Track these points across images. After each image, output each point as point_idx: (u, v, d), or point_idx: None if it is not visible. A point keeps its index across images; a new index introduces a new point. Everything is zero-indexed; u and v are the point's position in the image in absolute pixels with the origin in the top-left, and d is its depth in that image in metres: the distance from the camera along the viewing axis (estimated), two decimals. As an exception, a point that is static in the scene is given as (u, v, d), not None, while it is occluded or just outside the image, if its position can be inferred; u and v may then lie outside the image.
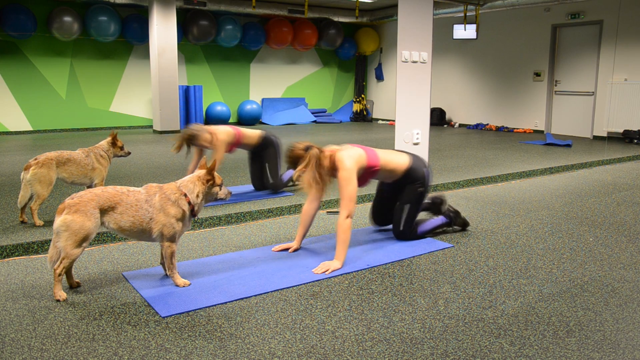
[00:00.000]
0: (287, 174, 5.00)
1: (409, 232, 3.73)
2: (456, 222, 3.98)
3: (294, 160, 3.42)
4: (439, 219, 3.91)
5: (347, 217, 3.23)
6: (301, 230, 3.55)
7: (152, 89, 10.28)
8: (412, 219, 3.72)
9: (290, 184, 5.05)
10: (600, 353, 2.22)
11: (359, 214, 4.51)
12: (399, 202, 3.72)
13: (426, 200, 3.86)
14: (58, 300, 2.70)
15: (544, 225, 4.21)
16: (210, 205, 4.41)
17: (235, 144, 4.81)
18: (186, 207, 2.86)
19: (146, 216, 2.79)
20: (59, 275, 2.69)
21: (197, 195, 2.90)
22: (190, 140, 4.74)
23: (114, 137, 4.20)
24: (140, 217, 2.78)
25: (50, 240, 3.47)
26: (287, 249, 3.54)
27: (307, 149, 3.36)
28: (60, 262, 2.67)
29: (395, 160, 3.59)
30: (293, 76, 13.25)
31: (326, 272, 3.11)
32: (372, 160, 3.46)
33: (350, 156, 3.35)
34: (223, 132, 4.72)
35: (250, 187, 5.22)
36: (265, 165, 4.95)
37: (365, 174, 3.50)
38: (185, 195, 2.86)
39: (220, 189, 2.99)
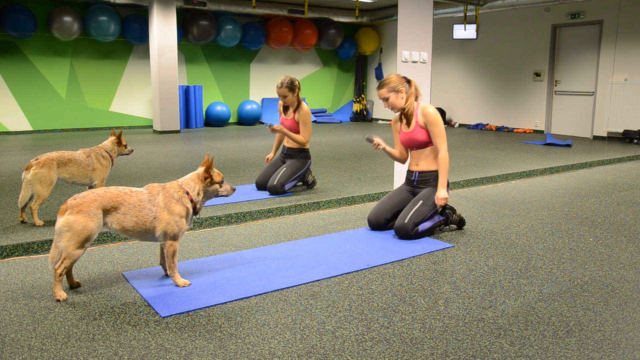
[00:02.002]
0: (289, 185, 4.98)
1: (411, 228, 3.75)
2: (452, 219, 4.00)
3: (391, 81, 3.83)
4: (435, 217, 3.93)
5: (446, 150, 3.82)
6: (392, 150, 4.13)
7: (152, 89, 10.29)
8: (420, 216, 3.78)
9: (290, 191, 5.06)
10: (600, 353, 2.22)
11: (359, 214, 4.51)
12: (415, 197, 3.90)
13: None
14: (58, 300, 2.70)
15: (544, 225, 4.21)
16: (211, 205, 4.41)
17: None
18: (189, 205, 2.89)
19: (150, 215, 2.79)
20: (60, 275, 2.69)
21: (198, 193, 2.92)
22: (291, 85, 4.94)
23: (119, 136, 4.20)
24: (143, 217, 2.78)
25: (50, 240, 3.47)
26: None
27: (408, 80, 3.87)
28: (62, 263, 2.68)
29: None
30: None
31: (442, 203, 3.80)
32: None
33: (435, 109, 3.86)
34: (307, 106, 5.08)
35: (250, 187, 5.22)
36: (282, 170, 4.95)
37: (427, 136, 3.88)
38: (188, 193, 2.88)
39: (221, 186, 3.01)
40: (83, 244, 2.69)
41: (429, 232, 3.88)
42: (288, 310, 2.63)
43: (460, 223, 4.05)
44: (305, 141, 5.00)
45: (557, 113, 10.68)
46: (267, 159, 5.27)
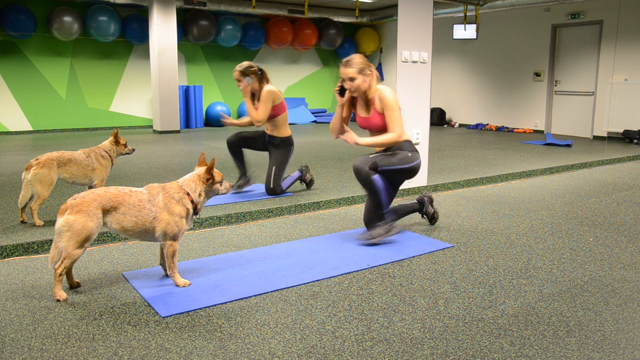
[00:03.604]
0: (287, 180, 4.97)
1: (368, 169, 3.61)
2: (427, 209, 4.04)
3: (359, 62, 3.65)
4: (411, 202, 4.00)
5: (398, 135, 3.64)
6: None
7: (152, 89, 10.29)
8: (382, 163, 3.61)
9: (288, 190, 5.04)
10: (600, 353, 2.22)
11: (359, 214, 4.51)
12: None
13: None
14: (58, 300, 2.70)
15: (544, 225, 4.21)
16: (211, 205, 4.42)
17: (276, 110, 4.83)
18: (190, 206, 2.89)
19: (149, 216, 2.79)
20: (60, 275, 2.69)
21: (200, 195, 2.92)
22: (246, 72, 4.77)
23: (116, 135, 4.20)
24: (143, 217, 2.78)
25: (50, 240, 3.47)
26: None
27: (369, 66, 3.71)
28: (62, 262, 2.68)
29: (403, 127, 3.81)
30: (293, 76, 13.25)
31: (348, 139, 3.58)
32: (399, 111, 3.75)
33: (393, 92, 3.70)
34: (273, 87, 4.84)
35: (250, 186, 5.22)
36: (272, 169, 4.90)
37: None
38: (188, 194, 2.88)
39: (221, 185, 3.02)
40: (83, 243, 2.69)
41: (398, 217, 3.88)
42: (288, 310, 2.63)
43: (434, 215, 4.11)
44: (258, 119, 4.74)
45: (557, 113, 10.68)
46: (228, 119, 5.01)
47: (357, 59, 3.68)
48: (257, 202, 4.65)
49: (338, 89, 3.80)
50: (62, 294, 2.71)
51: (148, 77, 11.14)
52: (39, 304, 2.67)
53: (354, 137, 3.58)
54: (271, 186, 4.84)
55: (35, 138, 9.42)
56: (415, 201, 4.07)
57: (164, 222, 2.81)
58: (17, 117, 10.08)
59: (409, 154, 3.69)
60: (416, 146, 5.35)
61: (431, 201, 4.07)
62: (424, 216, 4.13)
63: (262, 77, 4.83)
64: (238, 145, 4.98)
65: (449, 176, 5.87)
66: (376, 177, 3.60)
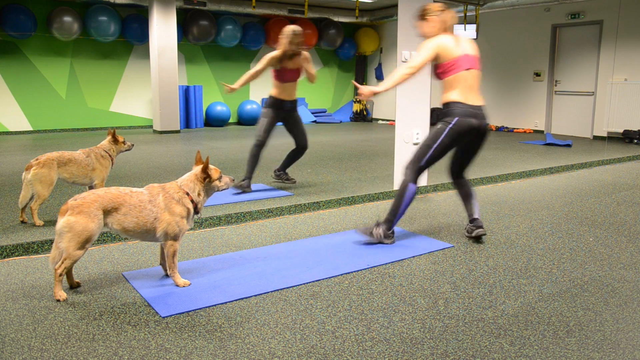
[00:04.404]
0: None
1: (407, 167, 3.61)
2: (471, 229, 3.75)
3: (422, 9, 3.63)
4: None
5: (409, 67, 3.45)
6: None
7: (152, 89, 10.29)
8: (420, 154, 3.59)
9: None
10: (600, 353, 2.22)
11: (359, 214, 4.51)
12: None
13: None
14: (58, 300, 2.70)
15: (544, 225, 4.21)
16: (211, 205, 4.42)
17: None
18: (190, 205, 2.89)
19: (150, 216, 2.79)
20: (60, 275, 2.69)
21: (199, 194, 2.93)
22: (297, 39, 5.35)
23: (113, 134, 4.20)
24: (144, 218, 2.78)
25: (50, 240, 3.48)
26: None
27: (444, 9, 3.62)
28: (62, 263, 2.68)
29: (467, 86, 3.57)
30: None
31: (363, 95, 3.50)
32: (454, 63, 3.51)
33: (442, 41, 3.51)
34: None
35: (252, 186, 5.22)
36: (304, 127, 5.31)
37: (442, 67, 3.56)
38: (188, 193, 2.88)
39: (220, 181, 3.01)
40: (84, 244, 2.69)
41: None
42: (288, 310, 2.63)
43: (470, 232, 3.79)
44: (316, 77, 5.55)
45: (557, 113, 10.68)
46: (230, 86, 5.34)
47: (427, 5, 3.62)
48: (257, 202, 4.65)
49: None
50: (62, 294, 2.71)
51: (148, 77, 11.13)
52: (39, 304, 2.67)
53: (367, 88, 3.48)
54: (307, 142, 5.29)
55: (35, 138, 9.42)
56: (477, 217, 3.76)
57: (165, 223, 2.81)
58: (17, 117, 10.08)
59: (439, 125, 3.52)
60: (416, 146, 5.35)
61: (477, 235, 3.72)
62: (469, 228, 3.79)
63: None
64: (266, 142, 5.12)
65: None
66: (411, 187, 3.57)
